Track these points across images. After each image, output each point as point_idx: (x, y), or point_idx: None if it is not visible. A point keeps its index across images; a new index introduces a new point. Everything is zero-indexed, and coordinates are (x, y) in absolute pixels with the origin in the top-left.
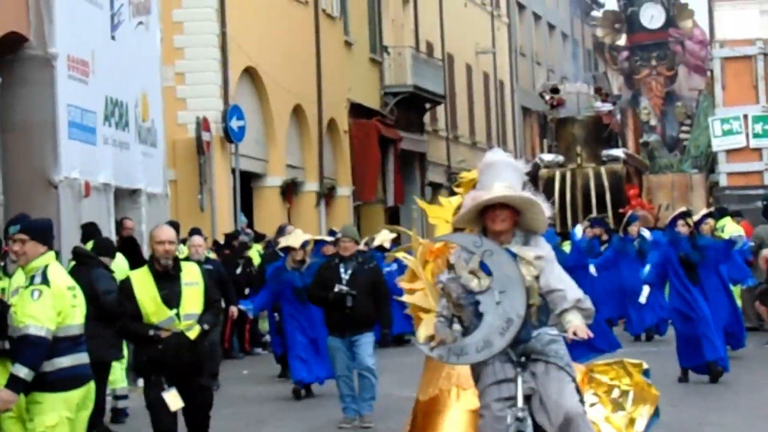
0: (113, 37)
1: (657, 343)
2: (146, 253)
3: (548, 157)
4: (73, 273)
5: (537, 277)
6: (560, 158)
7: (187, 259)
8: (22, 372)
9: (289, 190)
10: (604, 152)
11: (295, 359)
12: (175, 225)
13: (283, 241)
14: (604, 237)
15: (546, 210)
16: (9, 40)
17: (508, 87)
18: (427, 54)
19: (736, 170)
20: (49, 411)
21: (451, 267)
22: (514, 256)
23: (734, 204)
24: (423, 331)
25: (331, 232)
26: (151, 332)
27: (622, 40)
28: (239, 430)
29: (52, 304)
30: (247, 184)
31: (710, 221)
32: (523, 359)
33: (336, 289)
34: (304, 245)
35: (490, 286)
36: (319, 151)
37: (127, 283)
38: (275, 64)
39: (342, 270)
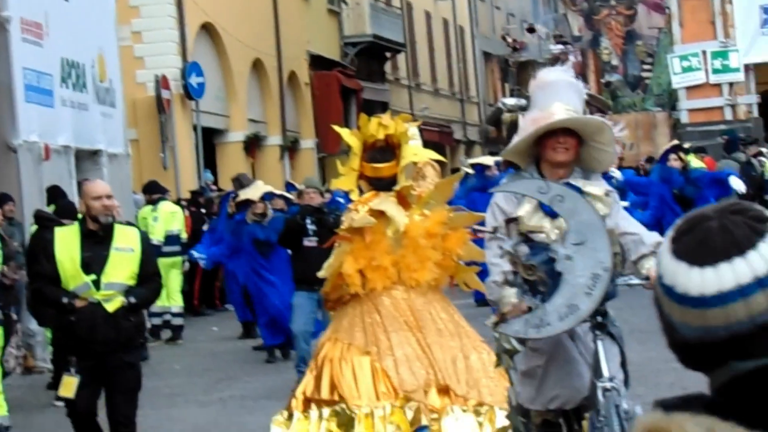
0: None
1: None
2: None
3: (511, 101)
4: (37, 236)
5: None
6: (523, 102)
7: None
8: None
9: (252, 145)
10: None
11: (264, 327)
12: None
13: (243, 194)
14: None
15: (614, 142)
16: None
17: (469, 32)
18: (386, 3)
19: (697, 107)
20: None
21: (511, 222)
22: (581, 193)
23: (696, 140)
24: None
25: (289, 186)
26: (65, 299)
27: None
28: (210, 386)
29: None
30: (209, 140)
31: (681, 154)
32: (600, 319)
33: (305, 243)
34: (264, 198)
35: (566, 238)
36: (280, 104)
37: (47, 239)
38: (232, 18)
39: (308, 222)
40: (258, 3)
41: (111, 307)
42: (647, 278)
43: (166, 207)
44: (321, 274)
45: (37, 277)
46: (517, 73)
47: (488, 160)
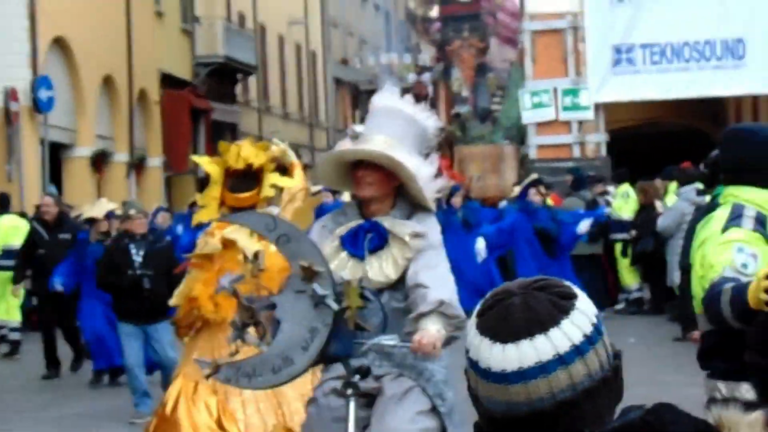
0: None
1: None
2: None
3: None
4: None
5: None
6: None
7: None
8: None
9: (99, 161)
10: None
11: (95, 344)
12: None
13: (87, 212)
14: None
15: (428, 181)
16: None
17: (321, 58)
18: (239, 24)
19: (546, 143)
20: None
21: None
22: (384, 231)
23: (544, 176)
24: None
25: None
26: None
27: (434, 12)
28: (47, 403)
29: None
30: (56, 154)
31: (541, 188)
32: (356, 378)
33: (129, 272)
34: (108, 216)
35: (288, 283)
36: (129, 121)
37: None
38: (85, 33)
39: (133, 250)
40: (111, 18)
41: None
42: (408, 341)
43: (7, 221)
44: (172, 301)
45: None
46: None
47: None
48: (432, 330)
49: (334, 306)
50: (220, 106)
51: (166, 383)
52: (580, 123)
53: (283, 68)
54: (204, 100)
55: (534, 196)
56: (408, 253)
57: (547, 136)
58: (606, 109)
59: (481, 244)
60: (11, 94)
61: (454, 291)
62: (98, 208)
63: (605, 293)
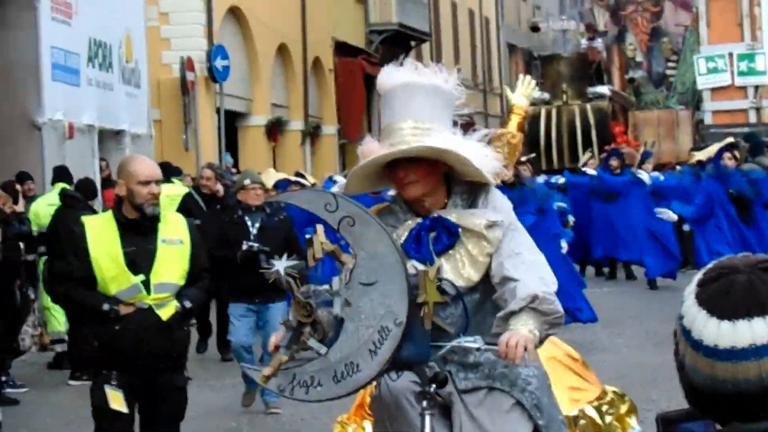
0: None
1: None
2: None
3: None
4: (60, 215)
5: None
6: (546, 95)
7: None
8: None
9: (274, 129)
10: (590, 89)
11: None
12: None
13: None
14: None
15: (478, 155)
16: None
17: (494, 24)
18: None
19: (721, 108)
20: None
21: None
22: (452, 226)
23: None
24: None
25: (297, 174)
26: (106, 306)
27: None
28: (224, 371)
29: None
30: (231, 123)
31: (735, 153)
32: (432, 387)
33: (245, 246)
34: (278, 186)
35: (353, 275)
36: (304, 89)
37: (77, 232)
38: (259, 3)
39: (249, 223)
40: None
41: (165, 313)
42: (494, 343)
43: (167, 189)
44: None
45: (63, 278)
46: (541, 66)
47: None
48: (523, 331)
49: (405, 304)
50: None
51: None
52: (757, 88)
53: (456, 35)
54: (377, 68)
55: (728, 160)
56: (489, 248)
57: (723, 102)
58: None
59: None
60: (188, 64)
61: (547, 278)
62: (266, 178)
63: None
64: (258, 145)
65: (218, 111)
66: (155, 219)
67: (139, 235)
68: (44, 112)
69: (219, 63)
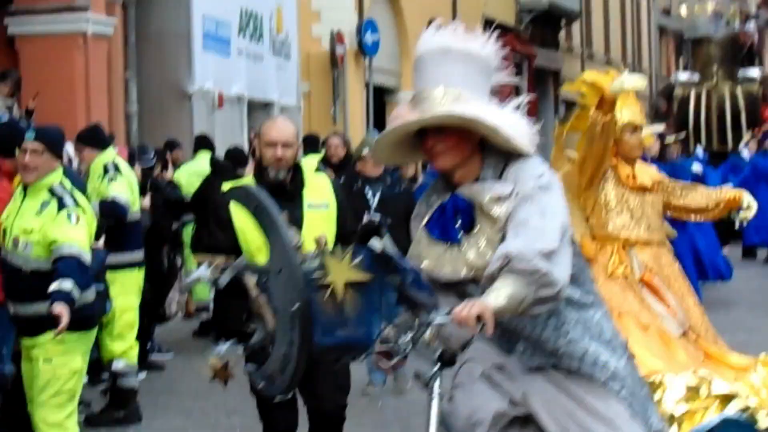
0: None
1: None
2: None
3: (684, 76)
4: (208, 182)
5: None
6: (696, 77)
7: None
8: (69, 286)
9: None
10: (741, 72)
11: None
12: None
13: None
14: None
15: (514, 124)
16: None
17: (645, 5)
18: None
19: None
20: (74, 352)
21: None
22: (464, 204)
23: None
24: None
25: None
26: None
27: None
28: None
29: (87, 231)
30: (380, 98)
31: None
32: (437, 361)
33: (365, 219)
34: None
35: (269, 262)
36: None
37: (220, 201)
38: None
39: (369, 194)
40: None
41: None
42: (449, 313)
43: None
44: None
45: (208, 250)
46: (691, 48)
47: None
48: (486, 299)
49: (297, 294)
50: (544, 52)
51: None
52: None
53: (606, 15)
54: (528, 46)
55: None
56: (497, 224)
57: None
58: None
59: None
60: (337, 37)
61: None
62: None
63: None
64: None
65: (367, 85)
66: (298, 182)
67: (283, 201)
68: (195, 82)
69: (369, 37)
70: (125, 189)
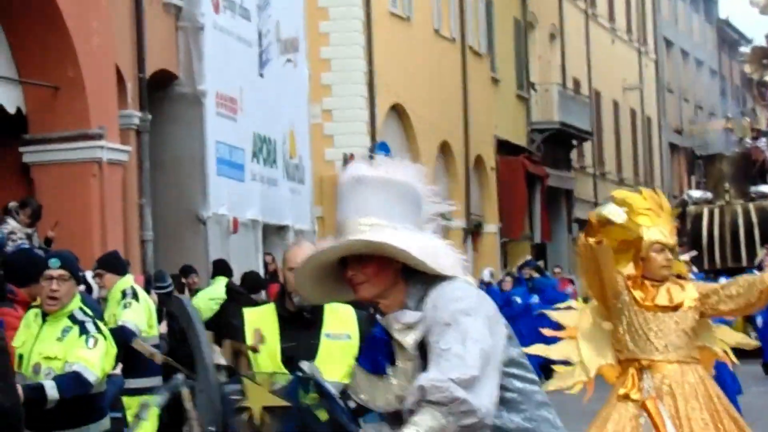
0: (261, 75)
1: None
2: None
3: (696, 193)
4: (224, 308)
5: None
6: (709, 195)
7: None
8: (52, 393)
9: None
10: (753, 189)
11: None
12: None
13: None
14: None
15: (437, 252)
16: (159, 77)
17: (656, 123)
18: (574, 90)
19: None
20: None
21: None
22: (385, 333)
23: None
24: None
25: None
26: None
27: None
28: None
29: (102, 355)
30: None
31: None
32: None
33: None
34: None
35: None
36: (465, 187)
37: (236, 325)
38: (422, 101)
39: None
40: (447, 86)
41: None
42: None
43: None
44: None
45: None
46: (704, 165)
47: None
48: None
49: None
50: (556, 173)
51: None
52: None
53: (617, 134)
54: (539, 167)
55: None
56: (407, 354)
57: None
58: None
59: None
60: (349, 160)
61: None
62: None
63: None
64: None
65: None
66: (319, 310)
67: (301, 329)
68: (209, 207)
69: None
70: (138, 315)
